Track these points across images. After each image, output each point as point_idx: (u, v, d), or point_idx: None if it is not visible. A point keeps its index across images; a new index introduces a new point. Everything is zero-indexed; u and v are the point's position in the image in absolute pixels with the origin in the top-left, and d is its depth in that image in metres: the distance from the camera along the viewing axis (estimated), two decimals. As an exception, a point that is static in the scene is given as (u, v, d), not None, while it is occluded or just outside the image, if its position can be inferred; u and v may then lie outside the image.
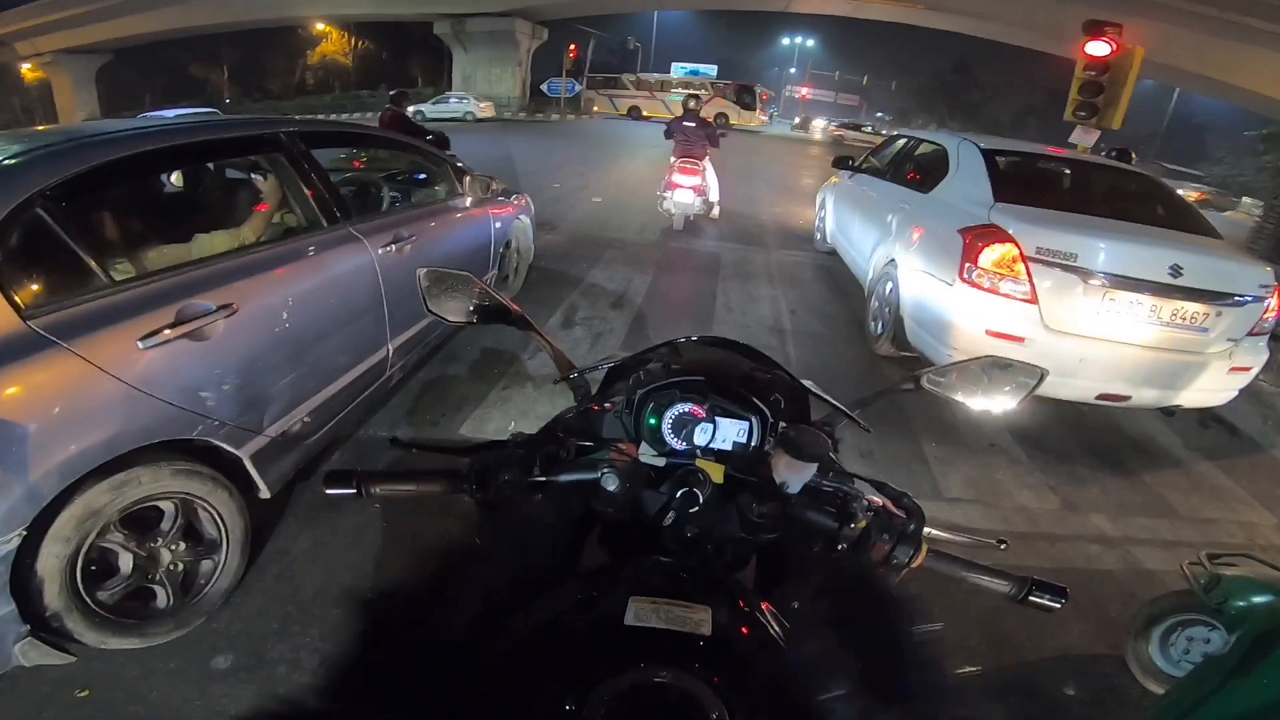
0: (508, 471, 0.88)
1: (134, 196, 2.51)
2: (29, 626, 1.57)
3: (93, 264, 1.76)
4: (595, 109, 37.75)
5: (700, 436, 1.07)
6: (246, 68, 47.23)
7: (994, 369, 1.15)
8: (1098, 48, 6.61)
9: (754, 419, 1.08)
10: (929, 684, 2.06)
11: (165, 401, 1.78)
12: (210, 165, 2.89)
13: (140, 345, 1.73)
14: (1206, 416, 4.19)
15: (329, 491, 0.90)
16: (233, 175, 2.85)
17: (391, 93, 7.68)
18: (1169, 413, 3.65)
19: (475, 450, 0.92)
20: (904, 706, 1.97)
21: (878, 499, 0.89)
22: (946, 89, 54.56)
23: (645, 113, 35.74)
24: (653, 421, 1.08)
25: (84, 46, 33.07)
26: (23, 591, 1.55)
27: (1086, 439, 3.76)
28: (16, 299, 1.56)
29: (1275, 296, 3.40)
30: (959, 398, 1.17)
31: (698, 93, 31.01)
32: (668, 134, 7.79)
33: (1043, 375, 1.13)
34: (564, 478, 0.92)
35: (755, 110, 34.31)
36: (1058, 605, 0.86)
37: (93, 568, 1.72)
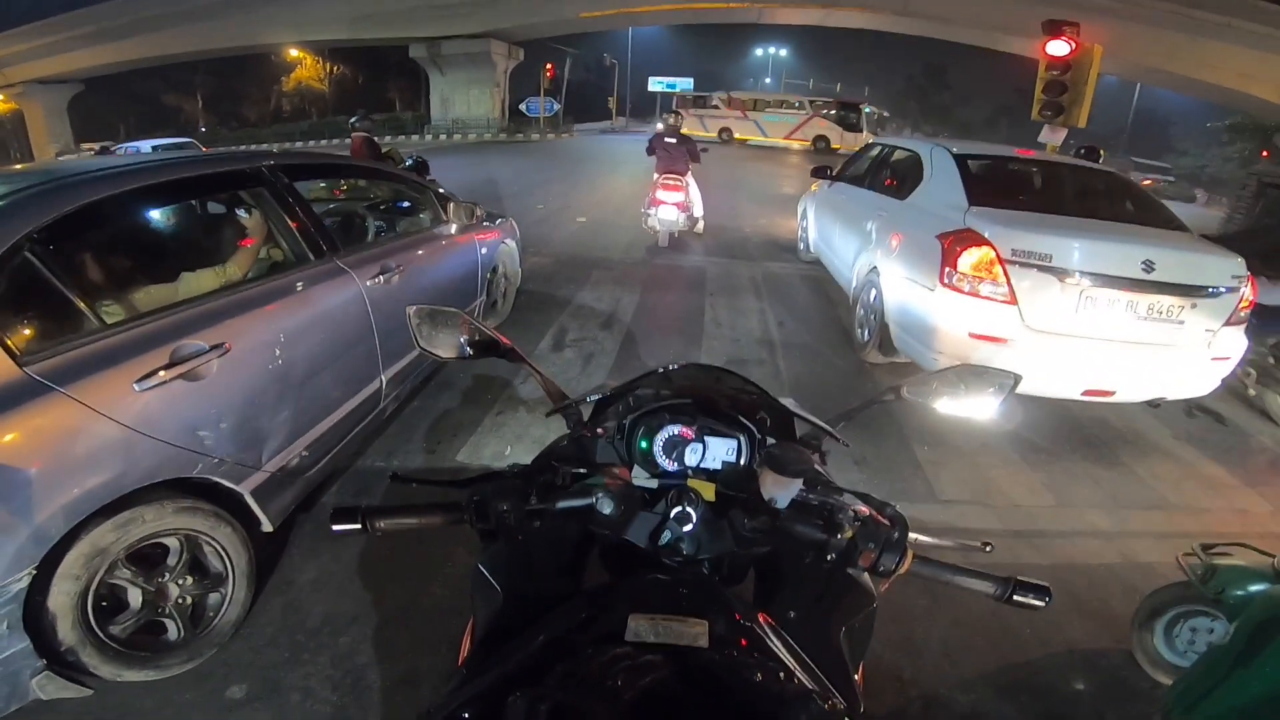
0: (506, 501, 0.90)
1: (120, 236, 2.51)
2: (45, 661, 1.62)
3: (84, 307, 1.78)
4: (684, 130, 32.13)
5: (691, 457, 1.11)
6: (221, 96, 47.19)
7: (970, 376, 1.20)
8: (1058, 47, 6.79)
9: (742, 437, 1.13)
10: (937, 685, 2.08)
11: (164, 442, 1.82)
12: (194, 202, 2.90)
13: (136, 388, 1.76)
14: (1192, 406, 4.26)
15: (336, 528, 0.93)
16: (216, 211, 2.86)
17: (353, 120, 7.65)
18: (1154, 405, 3.72)
19: (474, 482, 0.95)
20: (911, 709, 1.99)
21: (864, 509, 0.92)
22: (919, 93, 55.54)
23: (737, 135, 31.18)
24: (644, 445, 1.13)
25: (55, 76, 32.92)
26: (36, 628, 1.60)
27: (1076, 435, 3.82)
28: (11, 344, 1.58)
29: (1248, 286, 3.48)
30: (939, 406, 1.21)
31: (793, 110, 29.59)
32: (650, 150, 7.85)
33: (1016, 380, 1.18)
34: (560, 504, 0.94)
35: (862, 131, 27.22)
36: (1042, 604, 0.89)
37: (103, 603, 1.77)
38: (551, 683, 0.65)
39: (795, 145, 29.66)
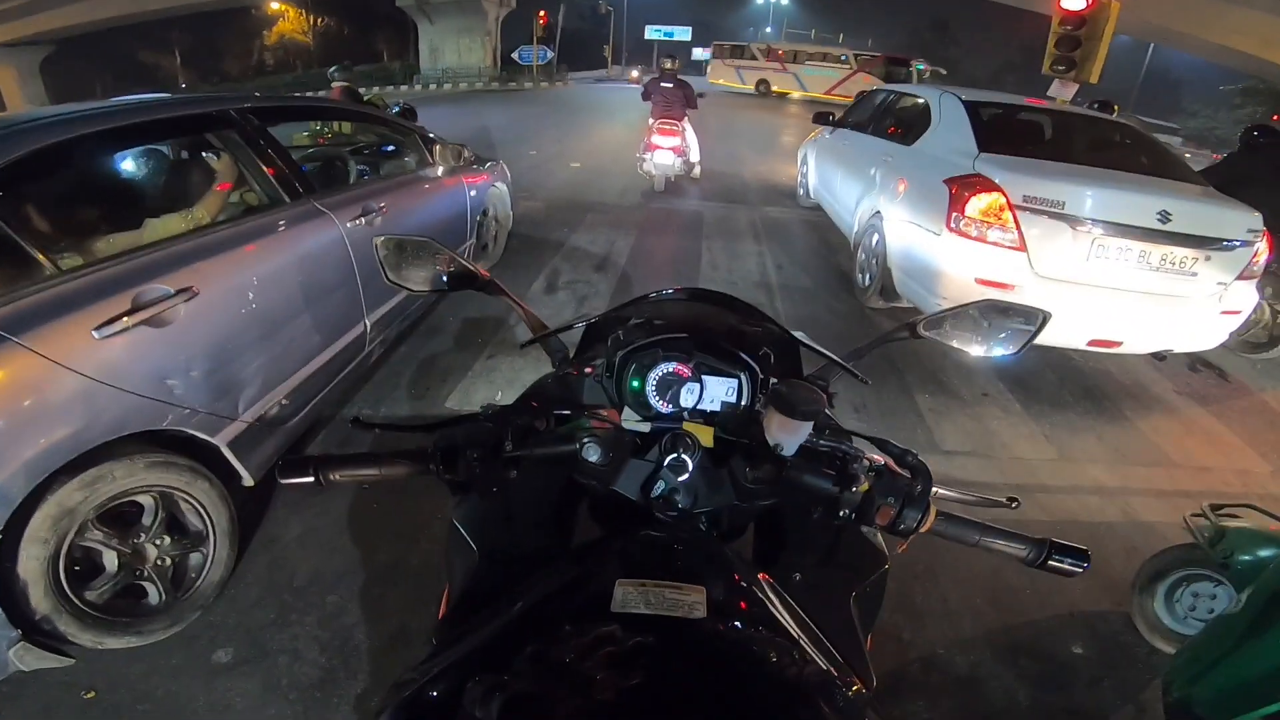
0: (476, 448, 0.79)
1: (77, 182, 2.38)
2: (20, 631, 1.55)
3: (38, 254, 1.66)
4: (719, 81, 30.14)
5: (687, 398, 0.99)
6: (200, 51, 45.44)
7: (992, 313, 1.08)
8: (1073, 2, 6.53)
9: (743, 376, 1.00)
10: (935, 646, 2.04)
11: (129, 392, 1.71)
12: (158, 147, 2.76)
13: (96, 335, 1.64)
14: (1196, 361, 4.19)
15: (285, 481, 0.82)
16: (183, 156, 2.70)
17: (333, 70, 7.38)
18: (1160, 357, 3.65)
19: (442, 426, 0.83)
20: (910, 670, 1.95)
21: (880, 458, 0.83)
22: (924, 46, 54.03)
23: (775, 88, 29.32)
24: (635, 384, 1.01)
25: (22, 39, 31.67)
26: (7, 596, 1.53)
27: (1079, 386, 3.75)
28: None
29: (1264, 240, 3.38)
30: (956, 344, 1.09)
31: (837, 65, 27.11)
32: (645, 95, 7.69)
33: (1045, 318, 1.06)
34: (540, 451, 0.84)
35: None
36: (1080, 570, 0.80)
37: (76, 568, 1.69)
38: (518, 668, 0.55)
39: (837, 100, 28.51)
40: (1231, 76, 27.69)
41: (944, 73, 29.37)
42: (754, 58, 30.12)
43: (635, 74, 36.49)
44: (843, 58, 28.34)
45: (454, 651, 0.66)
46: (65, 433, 1.56)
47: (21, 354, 1.49)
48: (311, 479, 0.81)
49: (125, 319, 1.71)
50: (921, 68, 26.27)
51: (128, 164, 2.73)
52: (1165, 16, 19.43)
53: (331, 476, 0.81)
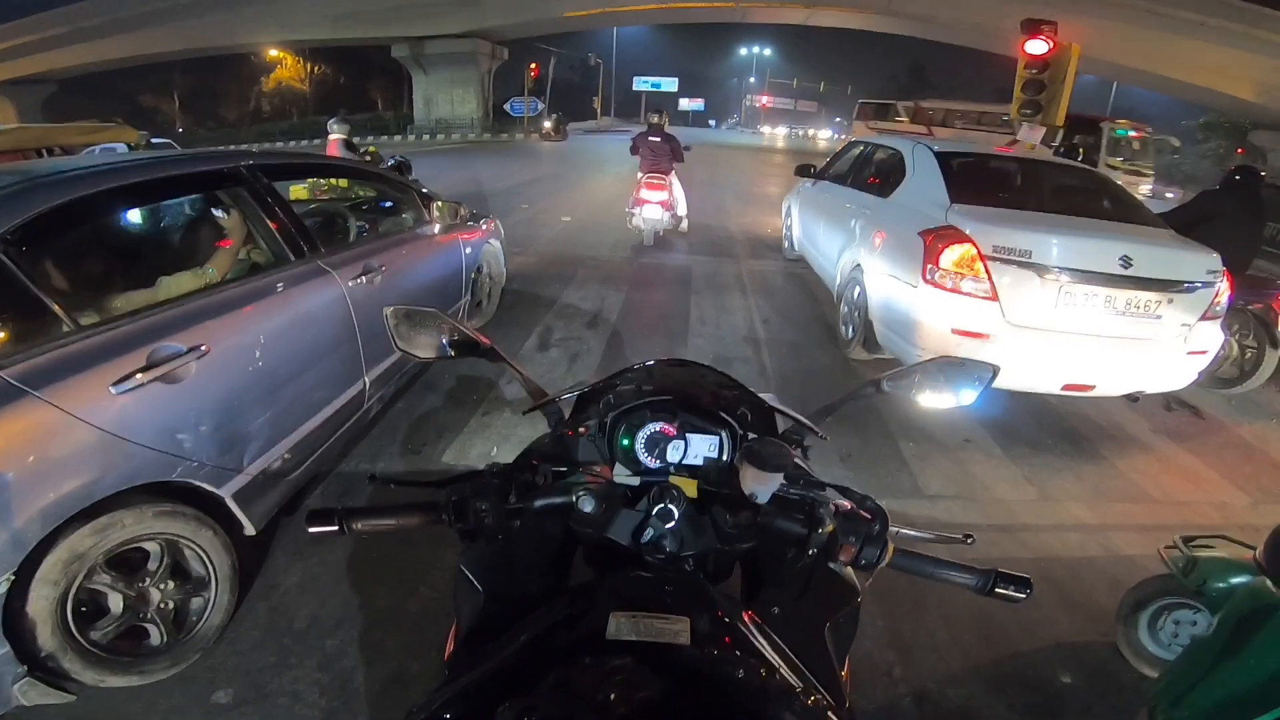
0: (484, 500, 0.90)
1: (95, 237, 2.49)
2: (25, 667, 1.60)
3: (58, 309, 1.75)
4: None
5: (672, 453, 1.11)
6: (199, 95, 46.52)
7: (949, 368, 1.20)
8: (1036, 46, 6.87)
9: (723, 433, 1.13)
10: (926, 680, 2.09)
11: (142, 445, 1.79)
12: (171, 203, 2.88)
13: (113, 390, 1.73)
14: (1170, 400, 4.32)
15: (312, 530, 0.92)
16: (194, 212, 2.82)
17: (332, 121, 7.52)
18: (1133, 399, 3.77)
19: (452, 482, 0.94)
20: (901, 705, 2.01)
21: (844, 503, 0.92)
22: (901, 92, 55.90)
23: None
24: (625, 442, 1.13)
25: (29, 77, 32.36)
26: (16, 633, 1.59)
27: (1057, 429, 3.86)
28: None
29: (1224, 281, 3.54)
30: (919, 399, 1.22)
31: (997, 129, 16.15)
32: (633, 150, 7.86)
33: (995, 371, 1.19)
34: (540, 503, 0.93)
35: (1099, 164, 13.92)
36: (1023, 596, 0.89)
37: (83, 609, 1.75)
38: (541, 693, 0.64)
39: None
40: (1193, 111, 28.57)
41: (1176, 142, 19.61)
42: (900, 119, 24.79)
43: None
44: (1004, 118, 17.20)
45: (468, 678, 0.74)
46: (80, 482, 1.64)
47: (42, 408, 1.58)
48: (336, 528, 0.91)
49: (140, 375, 1.79)
50: (1128, 133, 15.23)
51: (143, 220, 2.84)
52: (1123, 55, 20.26)
53: (354, 526, 0.91)
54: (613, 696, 0.62)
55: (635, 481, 1.04)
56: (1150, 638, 2.15)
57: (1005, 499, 3.12)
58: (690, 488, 0.98)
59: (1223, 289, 3.54)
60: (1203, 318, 3.51)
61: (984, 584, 0.90)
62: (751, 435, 1.13)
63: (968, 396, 1.20)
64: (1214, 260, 3.51)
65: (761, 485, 0.90)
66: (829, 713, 0.73)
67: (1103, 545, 2.82)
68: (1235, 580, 1.85)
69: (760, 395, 1.20)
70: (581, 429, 1.17)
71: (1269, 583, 1.53)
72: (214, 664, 1.98)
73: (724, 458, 1.12)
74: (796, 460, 1.11)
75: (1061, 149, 6.89)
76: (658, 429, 1.12)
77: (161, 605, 1.90)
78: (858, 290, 4.44)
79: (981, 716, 2.00)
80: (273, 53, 40.16)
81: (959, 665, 2.16)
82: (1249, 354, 4.54)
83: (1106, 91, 32.55)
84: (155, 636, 1.89)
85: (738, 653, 0.76)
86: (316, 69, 46.68)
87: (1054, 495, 3.18)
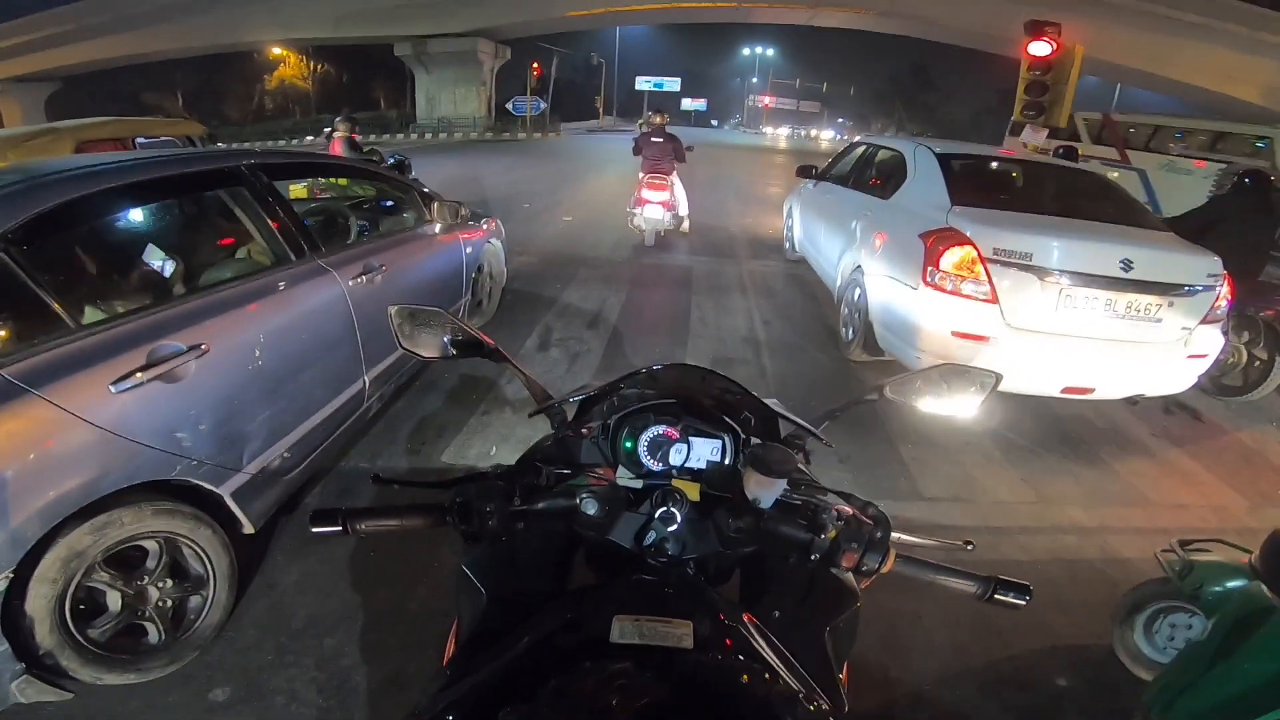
0: (488, 502, 0.90)
1: (97, 235, 2.49)
2: (24, 665, 1.61)
3: (59, 308, 1.75)
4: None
5: (675, 457, 1.11)
6: (202, 93, 46.49)
7: (952, 375, 1.21)
8: (1039, 47, 6.85)
9: (726, 437, 1.13)
10: (922, 683, 2.09)
11: (141, 444, 1.80)
12: (173, 201, 2.88)
13: (113, 389, 1.73)
14: (1169, 403, 4.32)
15: (315, 530, 0.91)
16: (195, 211, 2.82)
17: (337, 119, 7.49)
18: (1133, 402, 3.77)
19: (456, 483, 0.94)
20: (897, 707, 2.01)
21: (847, 509, 0.92)
22: (904, 92, 55.90)
23: None
24: (629, 445, 1.12)
25: (33, 74, 32.41)
26: (15, 631, 1.60)
27: (1056, 432, 3.86)
28: None
29: (1224, 284, 3.54)
30: (921, 405, 1.22)
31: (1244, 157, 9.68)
32: (636, 150, 7.84)
33: (998, 379, 1.19)
34: (544, 505, 0.94)
35: None
36: (1023, 603, 0.89)
37: (82, 606, 1.76)
38: (544, 697, 0.64)
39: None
40: (1198, 114, 28.54)
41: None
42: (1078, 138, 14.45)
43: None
44: (1261, 143, 11.73)
45: (471, 679, 0.75)
46: (79, 481, 1.64)
47: (42, 406, 1.59)
48: (340, 529, 0.91)
49: (140, 374, 1.80)
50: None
51: (144, 218, 2.84)
52: (1127, 56, 20.18)
53: (358, 526, 0.91)
54: (615, 701, 0.62)
55: (638, 484, 1.04)
56: (1146, 641, 2.16)
57: (1004, 501, 3.12)
58: (693, 491, 0.98)
59: (1223, 293, 3.54)
60: (1203, 321, 3.51)
61: (984, 591, 0.90)
62: (755, 440, 1.13)
63: (970, 404, 1.20)
64: (1215, 264, 3.50)
65: (765, 490, 0.90)
66: (830, 717, 0.73)
67: (1100, 548, 2.82)
68: (1230, 584, 1.85)
69: (764, 400, 1.20)
70: (584, 430, 1.17)
71: (1264, 587, 1.54)
72: (212, 662, 1.99)
73: (727, 462, 1.12)
74: (799, 465, 1.11)
75: (1060, 150, 6.86)
76: (661, 432, 1.12)
77: (160, 603, 1.90)
78: (858, 292, 4.44)
79: (976, 718, 2.01)
80: (276, 51, 40.16)
81: (955, 667, 2.16)
82: (1258, 363, 4.42)
83: (1109, 93, 32.51)
84: (153, 634, 1.90)
85: (740, 657, 0.76)
86: (319, 67, 46.74)
87: (1052, 498, 3.18)
